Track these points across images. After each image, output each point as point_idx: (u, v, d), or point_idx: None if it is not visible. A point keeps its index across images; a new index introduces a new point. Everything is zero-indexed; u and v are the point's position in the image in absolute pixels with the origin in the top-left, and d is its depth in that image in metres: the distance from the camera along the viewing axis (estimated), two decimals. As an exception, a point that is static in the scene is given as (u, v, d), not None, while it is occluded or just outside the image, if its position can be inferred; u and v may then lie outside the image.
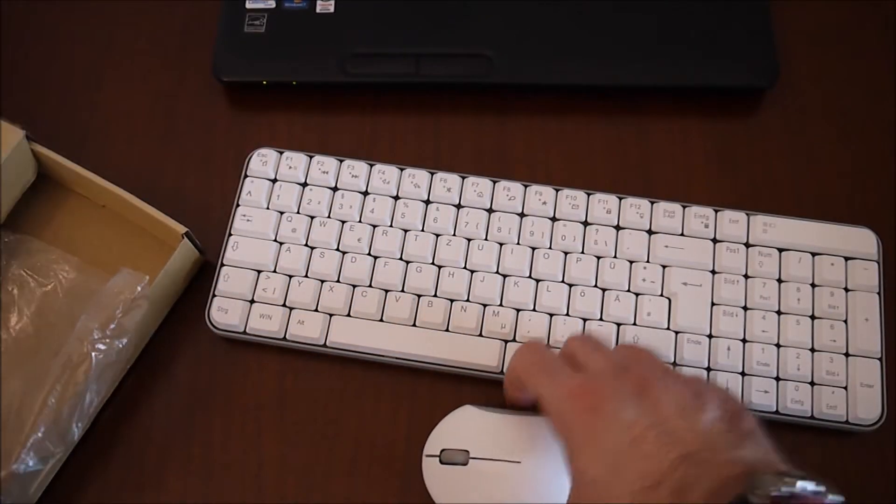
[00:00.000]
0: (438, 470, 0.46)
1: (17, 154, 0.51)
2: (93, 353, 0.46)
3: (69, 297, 0.51)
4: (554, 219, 0.52)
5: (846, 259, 0.51)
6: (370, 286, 0.51)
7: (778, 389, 0.48)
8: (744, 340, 0.49)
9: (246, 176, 0.53)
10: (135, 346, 0.50)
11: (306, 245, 0.52)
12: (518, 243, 0.52)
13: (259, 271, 0.51)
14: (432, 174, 0.53)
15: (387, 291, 0.51)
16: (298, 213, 0.52)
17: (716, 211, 0.52)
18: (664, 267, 0.51)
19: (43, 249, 0.53)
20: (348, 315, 0.50)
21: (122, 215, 0.53)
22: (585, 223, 0.52)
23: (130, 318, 0.47)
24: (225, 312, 0.50)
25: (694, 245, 0.51)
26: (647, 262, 0.51)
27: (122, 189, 0.50)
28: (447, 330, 0.50)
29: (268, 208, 0.53)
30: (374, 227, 0.52)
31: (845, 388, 0.48)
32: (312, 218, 0.52)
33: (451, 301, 0.50)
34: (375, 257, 0.51)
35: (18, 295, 0.51)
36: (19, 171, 0.52)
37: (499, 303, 0.50)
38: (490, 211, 0.52)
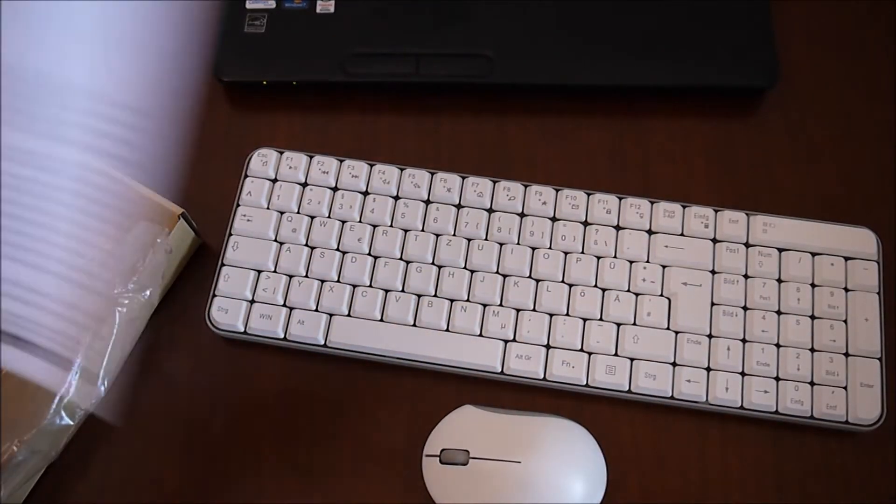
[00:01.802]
0: (438, 470, 0.46)
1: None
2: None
3: None
4: (554, 219, 0.52)
5: (846, 259, 0.51)
6: (370, 286, 0.51)
7: (778, 389, 0.48)
8: (744, 340, 0.49)
9: (246, 176, 0.53)
10: (153, 303, 0.50)
11: (306, 245, 0.52)
12: (518, 243, 0.52)
13: (259, 271, 0.51)
14: (432, 174, 0.53)
15: (387, 291, 0.51)
16: (298, 213, 0.52)
17: (716, 211, 0.52)
18: (664, 267, 0.51)
19: None
20: (348, 315, 0.50)
21: None
22: (585, 223, 0.52)
23: (152, 271, 0.47)
24: (225, 312, 0.50)
25: (694, 245, 0.51)
26: (647, 262, 0.51)
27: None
28: (447, 330, 0.50)
29: (268, 208, 0.53)
30: (374, 227, 0.52)
31: (845, 388, 0.48)
32: (312, 218, 0.52)
33: (451, 301, 0.50)
34: (375, 257, 0.51)
35: None
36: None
37: (499, 303, 0.50)
38: (490, 211, 0.52)
